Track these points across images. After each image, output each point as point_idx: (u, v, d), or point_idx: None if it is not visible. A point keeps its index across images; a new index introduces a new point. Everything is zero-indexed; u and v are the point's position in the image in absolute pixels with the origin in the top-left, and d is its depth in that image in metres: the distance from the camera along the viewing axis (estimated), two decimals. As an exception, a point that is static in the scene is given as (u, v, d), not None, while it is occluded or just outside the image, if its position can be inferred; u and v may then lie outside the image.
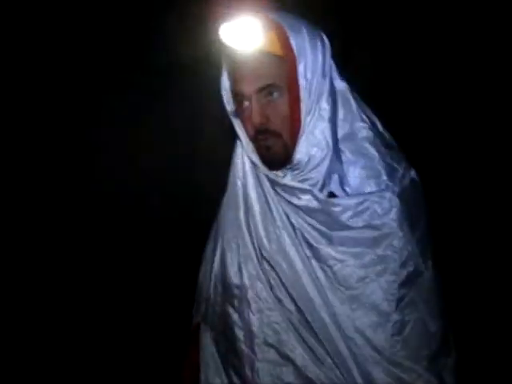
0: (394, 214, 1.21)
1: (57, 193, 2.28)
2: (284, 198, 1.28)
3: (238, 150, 1.36)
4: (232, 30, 1.20)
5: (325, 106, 1.22)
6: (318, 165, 1.23)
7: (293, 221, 1.27)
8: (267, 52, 1.19)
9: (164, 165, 2.24)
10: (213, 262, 1.40)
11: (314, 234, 1.24)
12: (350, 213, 1.22)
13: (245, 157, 1.34)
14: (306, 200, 1.24)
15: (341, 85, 1.28)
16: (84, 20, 2.15)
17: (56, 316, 2.24)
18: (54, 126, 2.23)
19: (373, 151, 1.27)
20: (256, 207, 1.30)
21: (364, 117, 1.30)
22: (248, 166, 1.34)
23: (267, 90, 1.20)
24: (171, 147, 2.24)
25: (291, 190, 1.25)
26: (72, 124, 2.23)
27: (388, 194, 1.22)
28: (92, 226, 2.30)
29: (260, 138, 1.23)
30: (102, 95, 2.15)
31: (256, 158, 1.29)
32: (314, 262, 1.24)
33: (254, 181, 1.32)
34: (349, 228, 1.22)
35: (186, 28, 2.05)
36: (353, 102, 1.29)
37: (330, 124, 1.23)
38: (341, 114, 1.27)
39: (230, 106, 1.29)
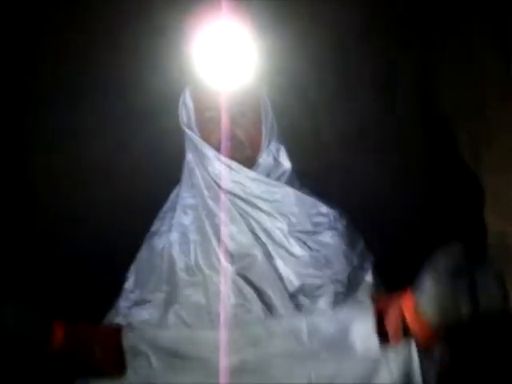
0: (341, 226, 1.37)
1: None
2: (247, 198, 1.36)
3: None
4: (212, 48, 1.37)
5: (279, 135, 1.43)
6: (283, 173, 1.39)
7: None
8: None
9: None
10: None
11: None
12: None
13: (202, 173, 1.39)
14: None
15: None
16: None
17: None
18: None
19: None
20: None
21: None
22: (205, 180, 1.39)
23: (239, 105, 1.36)
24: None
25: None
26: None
27: (337, 214, 1.39)
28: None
29: (227, 145, 1.35)
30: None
31: (224, 159, 1.35)
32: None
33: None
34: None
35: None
36: None
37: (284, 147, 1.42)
38: None
39: (187, 118, 1.41)
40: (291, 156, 1.44)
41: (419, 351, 1.13)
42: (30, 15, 1.90)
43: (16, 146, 1.95)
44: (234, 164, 1.34)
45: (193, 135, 1.39)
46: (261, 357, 1.19)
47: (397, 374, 1.11)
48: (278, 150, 1.40)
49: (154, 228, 1.44)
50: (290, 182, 1.40)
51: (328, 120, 1.88)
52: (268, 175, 1.38)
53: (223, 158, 1.35)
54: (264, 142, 1.39)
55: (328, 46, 1.87)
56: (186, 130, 1.40)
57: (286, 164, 1.40)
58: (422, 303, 1.11)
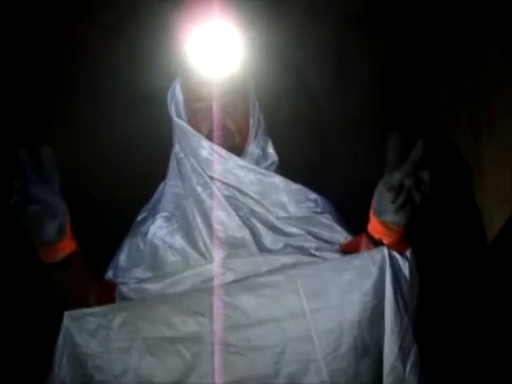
0: (331, 209, 1.38)
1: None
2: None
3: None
4: (204, 38, 1.36)
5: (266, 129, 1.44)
6: (271, 164, 1.40)
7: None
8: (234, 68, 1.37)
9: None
10: None
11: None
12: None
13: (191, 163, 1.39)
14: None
15: None
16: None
17: None
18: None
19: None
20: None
21: None
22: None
23: (229, 95, 1.36)
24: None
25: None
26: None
27: (325, 199, 1.40)
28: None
29: (216, 134, 1.35)
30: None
31: (213, 146, 1.36)
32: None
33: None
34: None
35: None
36: None
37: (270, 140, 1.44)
38: None
39: (176, 109, 1.41)
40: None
41: (391, 257, 1.12)
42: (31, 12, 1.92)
43: (12, 138, 1.97)
44: (224, 151, 1.35)
45: (182, 123, 1.40)
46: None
47: (376, 274, 1.10)
48: (265, 142, 1.43)
49: (140, 217, 1.44)
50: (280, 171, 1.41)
51: (329, 109, 1.89)
52: (256, 164, 1.39)
53: (212, 146, 1.36)
54: (252, 133, 1.40)
55: (329, 34, 1.88)
56: (176, 119, 1.41)
57: (274, 156, 1.42)
58: (385, 217, 1.14)
